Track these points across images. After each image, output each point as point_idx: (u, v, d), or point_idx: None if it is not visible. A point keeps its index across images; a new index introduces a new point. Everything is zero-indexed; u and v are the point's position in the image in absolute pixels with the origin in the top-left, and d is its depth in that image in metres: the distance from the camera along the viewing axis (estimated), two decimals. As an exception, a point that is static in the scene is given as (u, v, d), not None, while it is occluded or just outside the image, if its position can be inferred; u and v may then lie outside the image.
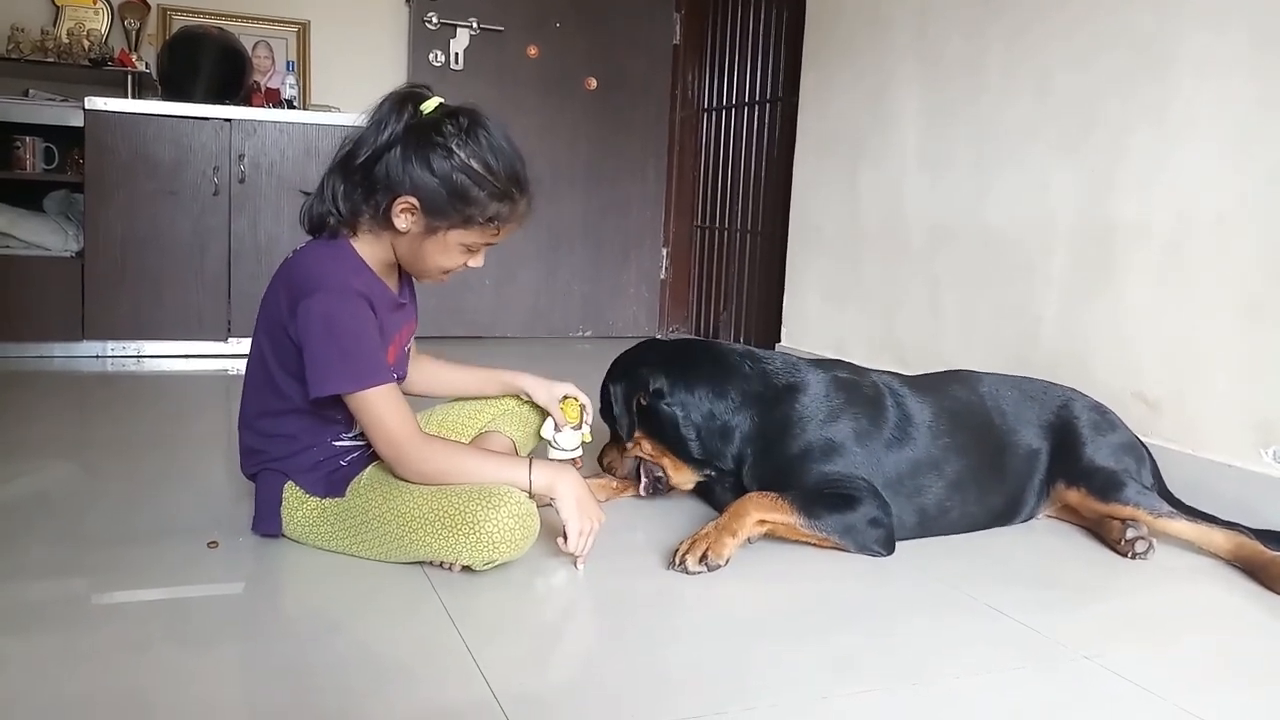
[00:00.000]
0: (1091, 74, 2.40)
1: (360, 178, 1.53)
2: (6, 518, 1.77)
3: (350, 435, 1.64)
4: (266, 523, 1.64)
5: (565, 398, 1.89)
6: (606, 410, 1.92)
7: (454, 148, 1.49)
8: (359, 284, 1.53)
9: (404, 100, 1.53)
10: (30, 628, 1.32)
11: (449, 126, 1.50)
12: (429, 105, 1.53)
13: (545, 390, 1.89)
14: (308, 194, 1.61)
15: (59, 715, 1.10)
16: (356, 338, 1.49)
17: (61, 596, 1.43)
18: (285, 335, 1.53)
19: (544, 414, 1.99)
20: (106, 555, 1.58)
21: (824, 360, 1.97)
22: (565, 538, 1.55)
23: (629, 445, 1.89)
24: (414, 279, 1.70)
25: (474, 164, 1.50)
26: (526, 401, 1.96)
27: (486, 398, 1.93)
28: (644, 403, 1.84)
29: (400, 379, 1.69)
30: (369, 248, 1.59)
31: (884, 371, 1.99)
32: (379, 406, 1.49)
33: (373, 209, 1.54)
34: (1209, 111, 2.12)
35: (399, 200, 1.51)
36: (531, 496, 1.53)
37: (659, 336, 2.04)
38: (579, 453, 1.92)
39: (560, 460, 1.88)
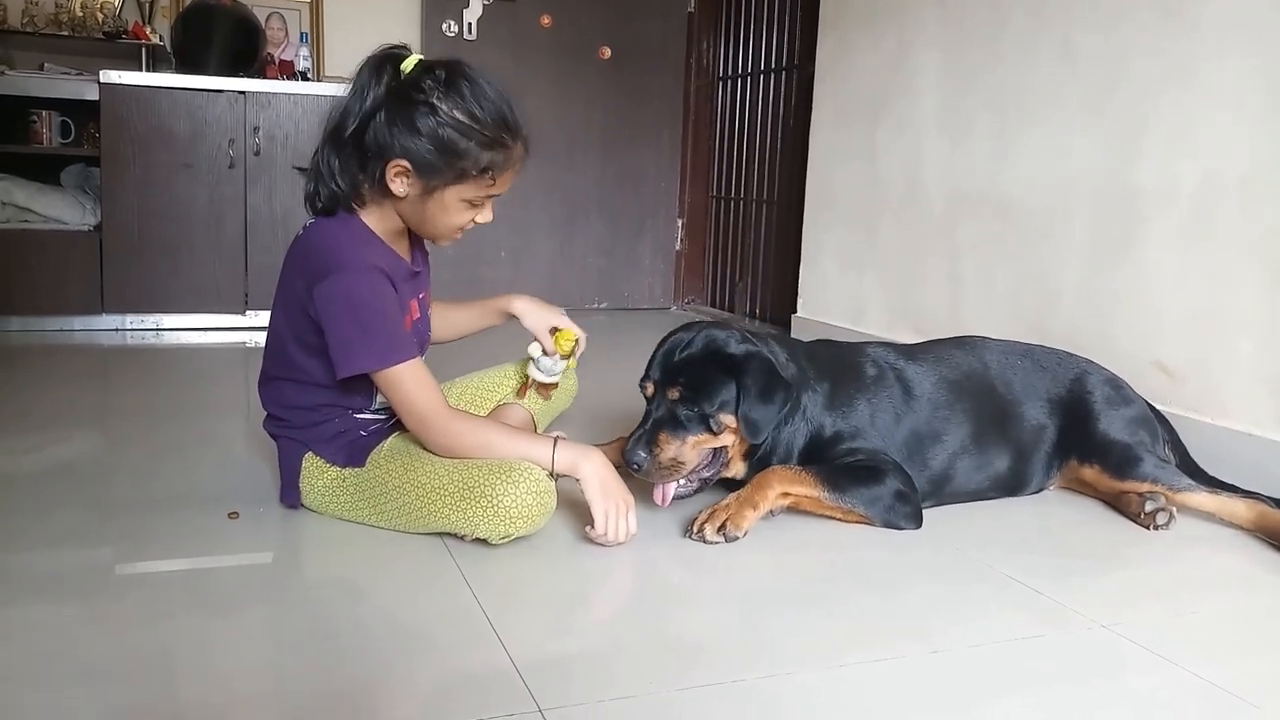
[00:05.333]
0: (1116, 36, 2.35)
1: (352, 148, 1.51)
2: (31, 487, 1.79)
3: (372, 409, 1.64)
4: (287, 494, 1.66)
5: (556, 330, 1.86)
6: (703, 398, 1.63)
7: (435, 103, 1.47)
8: (375, 258, 1.52)
9: (382, 63, 1.51)
10: (55, 594, 1.33)
11: (428, 82, 1.48)
12: (408, 64, 1.50)
13: (538, 316, 1.87)
14: (303, 170, 1.59)
15: (84, 680, 1.12)
16: (378, 314, 1.49)
17: (85, 564, 1.45)
18: (304, 315, 1.52)
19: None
20: (129, 524, 1.60)
21: (810, 343, 1.93)
22: (592, 525, 1.53)
23: (715, 433, 1.65)
24: (426, 243, 1.69)
25: (459, 115, 1.48)
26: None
27: (483, 328, 1.92)
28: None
29: (423, 345, 1.69)
30: (376, 219, 1.58)
31: (878, 343, 1.98)
32: (405, 382, 1.50)
33: (369, 178, 1.53)
34: (1235, 74, 2.08)
35: (391, 164, 1.49)
36: (553, 476, 1.53)
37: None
38: (558, 379, 1.91)
39: (539, 382, 1.89)
